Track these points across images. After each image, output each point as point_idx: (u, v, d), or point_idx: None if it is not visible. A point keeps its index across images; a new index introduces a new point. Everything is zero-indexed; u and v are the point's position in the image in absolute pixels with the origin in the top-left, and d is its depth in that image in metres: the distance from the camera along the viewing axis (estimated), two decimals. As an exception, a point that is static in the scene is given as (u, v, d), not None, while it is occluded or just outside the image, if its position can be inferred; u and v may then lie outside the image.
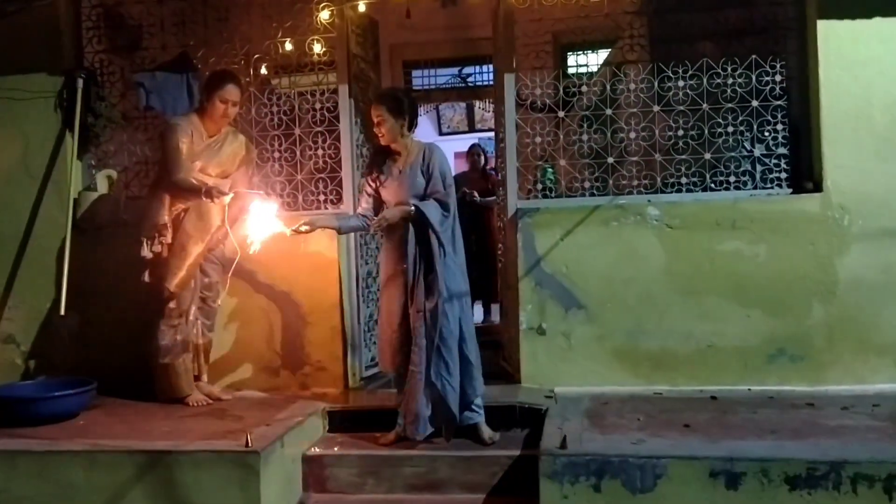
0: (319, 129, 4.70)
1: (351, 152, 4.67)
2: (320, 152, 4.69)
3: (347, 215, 4.14)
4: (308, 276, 4.49)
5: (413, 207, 3.69)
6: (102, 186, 4.77)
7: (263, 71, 4.82)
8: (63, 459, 3.45)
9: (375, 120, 3.81)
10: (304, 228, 3.78)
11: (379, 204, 3.87)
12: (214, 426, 3.75)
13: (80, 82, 4.68)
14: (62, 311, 4.46)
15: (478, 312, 6.14)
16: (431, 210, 3.69)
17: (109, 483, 3.37)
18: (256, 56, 4.77)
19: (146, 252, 4.17)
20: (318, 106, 4.71)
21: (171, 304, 4.17)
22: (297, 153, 4.72)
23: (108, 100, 4.84)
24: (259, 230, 3.81)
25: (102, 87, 4.85)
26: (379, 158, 3.91)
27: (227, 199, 4.02)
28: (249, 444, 3.35)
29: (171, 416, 4.03)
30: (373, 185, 3.87)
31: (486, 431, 3.74)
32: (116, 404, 4.32)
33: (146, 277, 4.24)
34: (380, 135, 3.83)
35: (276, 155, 4.73)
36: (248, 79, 4.70)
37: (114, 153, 4.92)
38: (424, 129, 9.64)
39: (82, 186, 4.81)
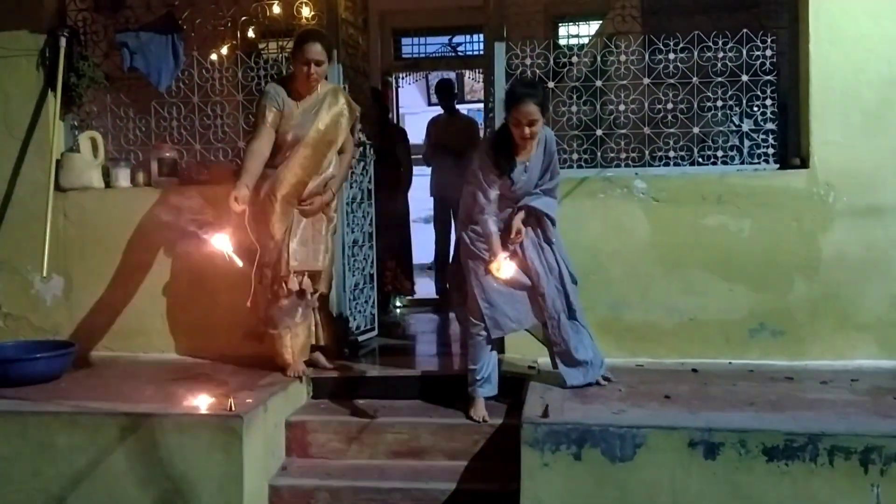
0: (307, 94, 4.63)
1: (338, 119, 4.61)
2: (307, 118, 4.64)
3: (495, 231, 3.59)
4: (293, 243, 4.46)
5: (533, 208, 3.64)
6: (85, 148, 4.70)
7: (251, 34, 4.76)
8: (44, 420, 3.44)
9: (527, 120, 3.39)
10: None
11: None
12: (198, 390, 3.74)
13: (63, 41, 4.57)
14: (44, 273, 4.42)
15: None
16: (553, 209, 3.69)
17: (91, 445, 3.36)
18: (244, 18, 4.69)
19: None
20: (305, 71, 4.66)
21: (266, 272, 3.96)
22: (285, 118, 4.66)
23: (92, 59, 4.74)
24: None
25: (85, 47, 4.75)
26: (502, 152, 3.53)
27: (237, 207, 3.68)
28: (232, 409, 3.35)
29: (155, 379, 4.02)
30: (498, 180, 3.55)
31: None
32: (99, 367, 4.32)
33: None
34: (527, 136, 3.44)
35: (263, 120, 4.68)
36: (234, 41, 4.63)
37: (97, 114, 4.85)
38: (413, 99, 9.59)
39: (65, 148, 4.75)
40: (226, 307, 4.43)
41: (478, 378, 3.70)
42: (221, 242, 3.62)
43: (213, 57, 4.82)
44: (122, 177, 4.73)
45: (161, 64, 4.63)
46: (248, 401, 3.48)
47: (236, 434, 3.28)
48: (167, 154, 4.70)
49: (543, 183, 3.66)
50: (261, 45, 5.03)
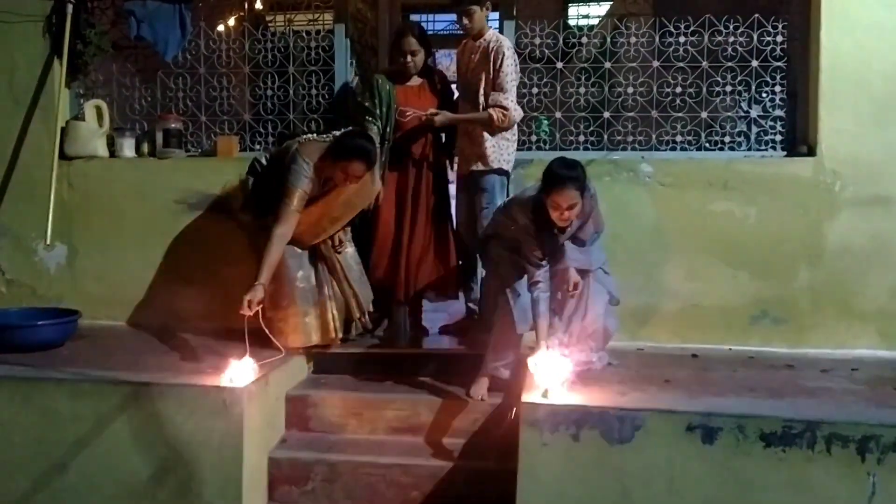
0: (314, 68, 4.63)
1: (345, 94, 4.60)
2: (314, 92, 4.63)
3: (545, 311, 3.46)
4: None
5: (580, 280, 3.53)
6: (90, 117, 4.68)
7: (258, 6, 4.73)
8: (47, 387, 3.45)
9: (566, 205, 3.26)
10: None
11: None
12: (200, 361, 3.75)
13: (70, 7, 4.53)
14: (48, 241, 4.42)
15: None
16: (599, 259, 3.68)
17: (93, 412, 3.38)
18: (251, -11, 4.68)
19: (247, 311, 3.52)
20: (312, 45, 4.64)
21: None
22: (290, 92, 4.66)
23: (98, 27, 4.71)
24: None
25: (92, 14, 4.72)
26: (544, 228, 3.42)
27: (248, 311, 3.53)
28: (233, 381, 3.37)
29: (157, 349, 4.04)
30: (540, 252, 3.44)
31: None
32: (101, 336, 4.33)
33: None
34: (566, 219, 3.32)
35: (269, 93, 4.67)
36: (242, 13, 4.60)
37: (102, 83, 4.83)
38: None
39: (70, 116, 4.73)
40: (228, 279, 4.45)
41: (502, 361, 3.67)
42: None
43: (221, 28, 4.80)
44: (127, 146, 4.73)
45: (168, 33, 4.61)
46: (249, 373, 3.49)
47: (237, 406, 3.29)
48: (173, 125, 4.68)
49: (584, 238, 3.58)
50: (268, 18, 5.00)
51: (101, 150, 4.71)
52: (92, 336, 4.28)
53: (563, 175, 3.30)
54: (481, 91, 4.06)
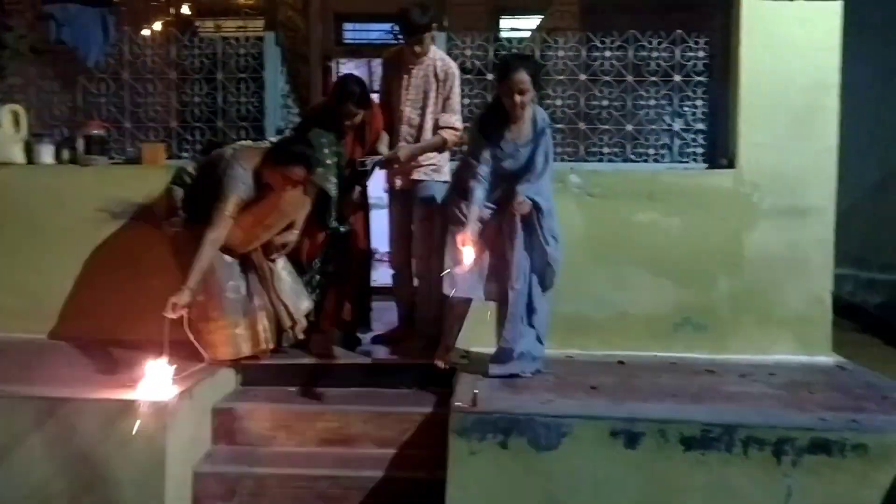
0: (243, 75, 4.57)
1: (275, 102, 4.56)
2: (243, 100, 4.57)
3: (479, 198, 3.60)
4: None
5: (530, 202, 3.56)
6: (7, 122, 4.51)
7: (186, 11, 4.65)
8: (-45, 405, 3.30)
9: (518, 89, 3.45)
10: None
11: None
12: (121, 375, 3.64)
13: (-15, 10, 4.40)
14: (-40, 252, 4.24)
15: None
16: (543, 197, 3.61)
17: (6, 429, 3.25)
18: (179, -6, 4.60)
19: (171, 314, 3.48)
20: (242, 52, 4.58)
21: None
22: (219, 99, 4.58)
23: (16, 30, 4.57)
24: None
25: (10, 17, 4.58)
26: (495, 121, 3.58)
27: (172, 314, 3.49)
28: (155, 394, 3.27)
29: (76, 363, 3.91)
30: (489, 152, 3.57)
31: None
32: (17, 349, 4.16)
33: None
34: (519, 106, 3.48)
35: (197, 100, 4.59)
36: (169, 18, 4.51)
37: (20, 87, 4.67)
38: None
39: (-16, 121, 4.55)
40: (153, 291, 4.32)
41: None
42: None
43: (146, 32, 4.70)
44: (46, 153, 4.58)
45: (90, 37, 4.50)
46: (173, 386, 3.40)
47: (159, 420, 3.21)
48: (95, 131, 4.55)
49: (535, 165, 3.61)
50: (197, 23, 4.92)
51: (18, 156, 4.55)
52: (7, 350, 4.11)
53: (515, 59, 3.62)
54: (430, 110, 4.08)
